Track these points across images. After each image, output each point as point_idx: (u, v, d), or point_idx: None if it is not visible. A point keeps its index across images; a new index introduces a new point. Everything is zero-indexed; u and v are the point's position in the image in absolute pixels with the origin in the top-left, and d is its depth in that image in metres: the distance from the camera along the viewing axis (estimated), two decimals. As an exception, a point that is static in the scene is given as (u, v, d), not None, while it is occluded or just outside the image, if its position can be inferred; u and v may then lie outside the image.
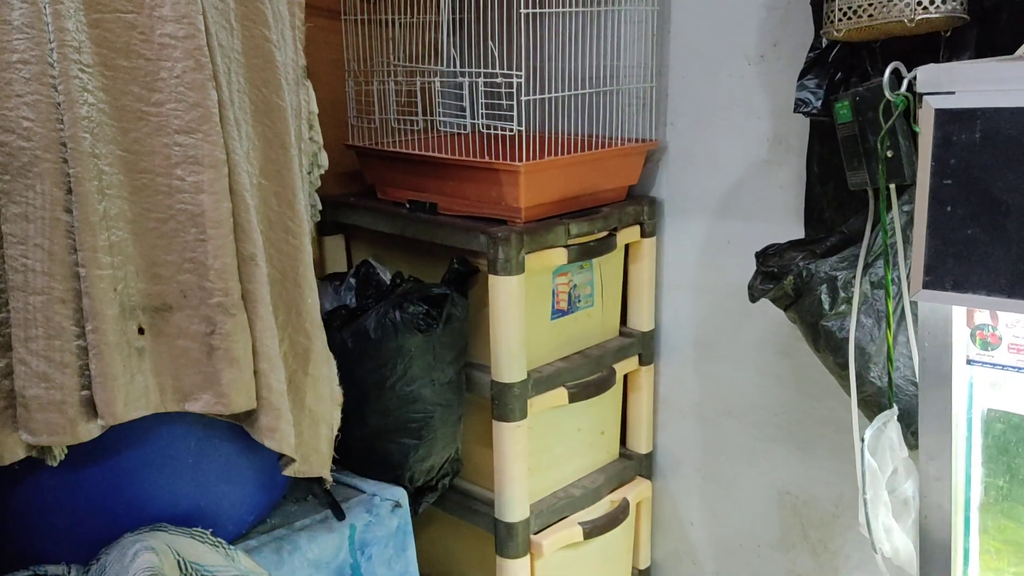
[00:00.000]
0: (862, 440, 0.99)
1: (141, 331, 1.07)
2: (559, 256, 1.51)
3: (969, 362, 0.91)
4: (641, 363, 1.74)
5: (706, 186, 1.66)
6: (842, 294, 1.30)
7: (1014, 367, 0.88)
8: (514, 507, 1.53)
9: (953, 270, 0.86)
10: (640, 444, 1.79)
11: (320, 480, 1.29)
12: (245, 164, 1.10)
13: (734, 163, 1.60)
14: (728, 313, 1.67)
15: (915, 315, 1.12)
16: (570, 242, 1.53)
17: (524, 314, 1.47)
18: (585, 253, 1.56)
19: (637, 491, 1.75)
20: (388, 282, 1.51)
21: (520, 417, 1.50)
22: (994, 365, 0.89)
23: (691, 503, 1.79)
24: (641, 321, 1.74)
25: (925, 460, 0.94)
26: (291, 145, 1.20)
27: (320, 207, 1.41)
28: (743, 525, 1.72)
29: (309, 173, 1.32)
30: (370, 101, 1.65)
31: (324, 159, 1.38)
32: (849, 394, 1.24)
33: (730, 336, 1.67)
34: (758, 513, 1.68)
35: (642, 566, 1.83)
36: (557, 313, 1.60)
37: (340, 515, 1.31)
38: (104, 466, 1.10)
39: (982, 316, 0.90)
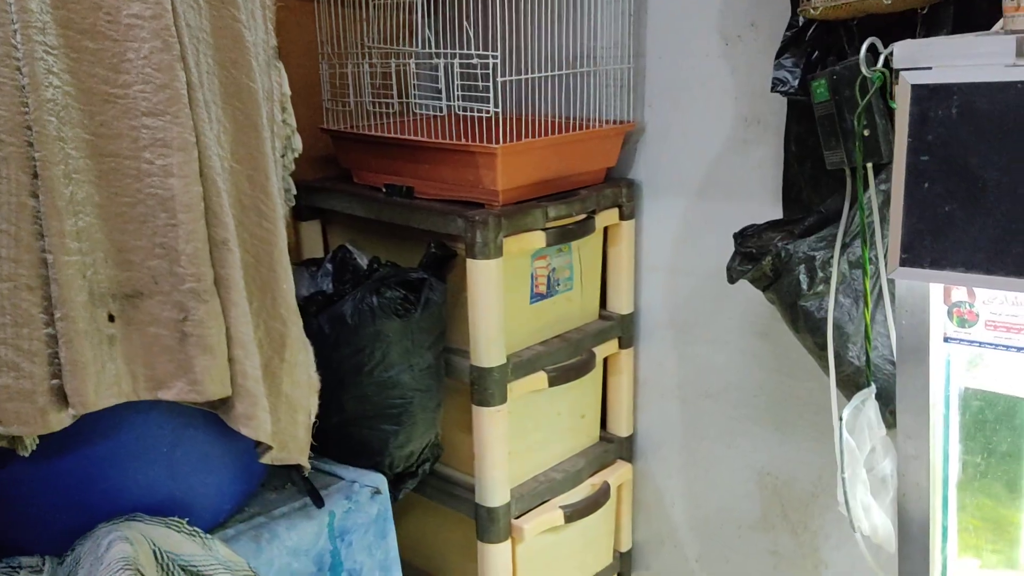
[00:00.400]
0: (840, 419, 0.99)
1: (111, 318, 1.05)
2: (537, 239, 1.50)
3: (946, 340, 0.91)
4: (621, 346, 1.74)
5: (684, 167, 1.65)
6: (820, 274, 1.29)
7: (991, 344, 0.88)
8: (495, 492, 1.52)
9: (930, 247, 0.85)
10: (621, 427, 1.79)
11: (298, 467, 1.28)
12: (216, 147, 1.08)
13: (712, 144, 1.60)
14: (707, 294, 1.67)
15: (892, 294, 1.12)
16: (548, 225, 1.52)
17: (503, 298, 1.46)
18: (564, 236, 1.55)
19: (618, 474, 1.75)
20: (365, 267, 1.50)
21: (500, 402, 1.49)
22: (971, 342, 0.89)
23: (672, 485, 1.80)
24: (620, 304, 1.73)
25: (903, 438, 0.94)
26: (263, 128, 1.18)
27: (294, 191, 1.40)
28: (724, 506, 1.72)
29: (283, 156, 1.30)
30: (344, 84, 1.62)
31: (298, 142, 1.36)
32: (828, 374, 1.24)
33: (710, 317, 1.67)
34: (738, 494, 1.69)
35: (623, 548, 1.83)
36: (536, 297, 1.59)
37: (319, 502, 1.30)
38: (77, 456, 1.09)
39: (959, 293, 0.90)
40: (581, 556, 1.73)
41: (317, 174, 1.77)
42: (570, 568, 1.71)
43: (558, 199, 1.55)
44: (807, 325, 1.32)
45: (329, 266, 1.55)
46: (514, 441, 1.56)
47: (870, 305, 1.12)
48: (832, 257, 1.28)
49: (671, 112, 1.64)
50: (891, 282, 1.13)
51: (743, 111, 1.54)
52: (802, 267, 1.31)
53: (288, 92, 1.30)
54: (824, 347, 1.28)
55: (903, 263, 0.87)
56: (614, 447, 1.78)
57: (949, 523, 0.96)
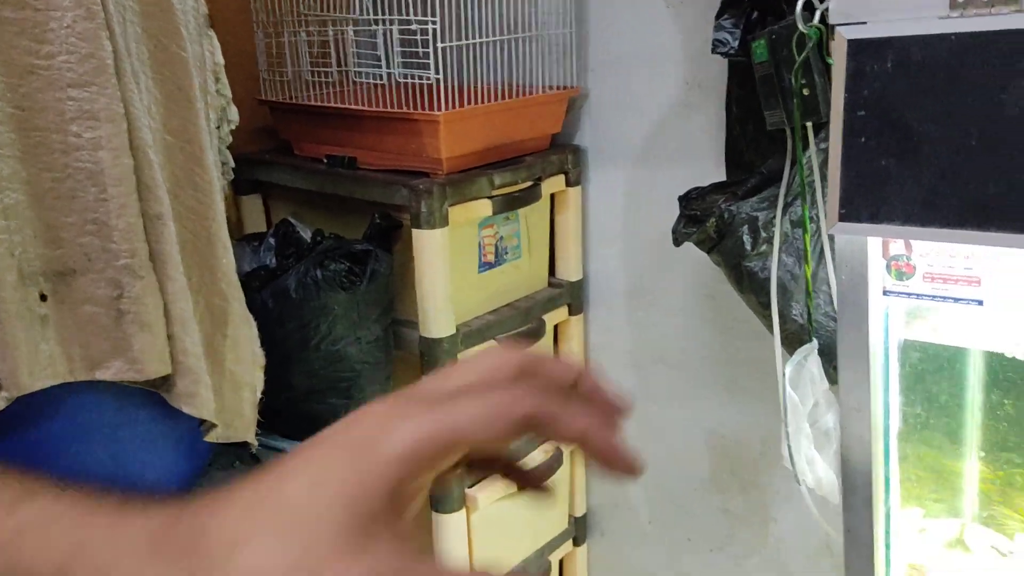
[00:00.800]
0: (783, 375, 1.00)
1: (43, 298, 1.01)
2: (484, 208, 1.49)
3: (885, 293, 0.93)
4: (571, 313, 1.74)
5: (629, 133, 1.65)
6: (763, 234, 1.31)
7: (928, 296, 0.89)
8: (448, 462, 1.52)
9: (868, 201, 0.86)
10: (572, 394, 1.79)
11: (246, 445, 1.26)
12: (146, 118, 1.05)
13: (656, 108, 1.60)
14: (656, 259, 1.67)
15: (833, 250, 1.13)
16: (494, 193, 1.51)
17: (450, 268, 1.45)
18: (510, 204, 1.54)
19: (571, 440, 1.76)
20: (308, 240, 1.47)
21: (450, 372, 1.48)
22: (909, 295, 0.90)
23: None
24: (569, 271, 1.74)
25: (844, 392, 0.95)
26: (196, 98, 1.14)
27: (233, 164, 1.36)
28: (676, 468, 1.74)
29: (218, 128, 1.26)
30: (281, 53, 1.59)
31: (234, 113, 1.32)
32: (773, 333, 1.25)
33: (659, 282, 1.68)
34: (690, 456, 1.71)
35: (578, 513, 1.84)
36: (484, 266, 1.59)
37: (269, 479, 1.28)
38: (12, 440, 1.05)
39: (897, 247, 0.91)
40: (536, 522, 1.74)
41: (257, 147, 1.73)
42: (525, 535, 1.72)
43: (503, 167, 1.53)
44: (751, 285, 1.34)
45: (272, 240, 1.52)
46: (466, 411, 1.56)
47: (810, 263, 1.14)
48: (774, 217, 1.29)
49: (615, 77, 1.64)
50: (831, 238, 1.14)
51: (686, 74, 1.54)
52: (745, 228, 1.32)
53: (221, 61, 1.26)
54: (768, 306, 1.29)
55: (842, 218, 0.87)
56: (566, 414, 1.78)
57: (891, 473, 0.98)
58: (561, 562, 1.87)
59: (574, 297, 1.74)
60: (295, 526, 0.35)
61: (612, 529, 1.88)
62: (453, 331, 1.48)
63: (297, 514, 0.36)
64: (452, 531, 1.54)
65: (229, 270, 1.20)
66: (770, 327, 1.28)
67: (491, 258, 1.59)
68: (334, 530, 0.35)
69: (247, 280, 1.39)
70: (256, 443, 1.25)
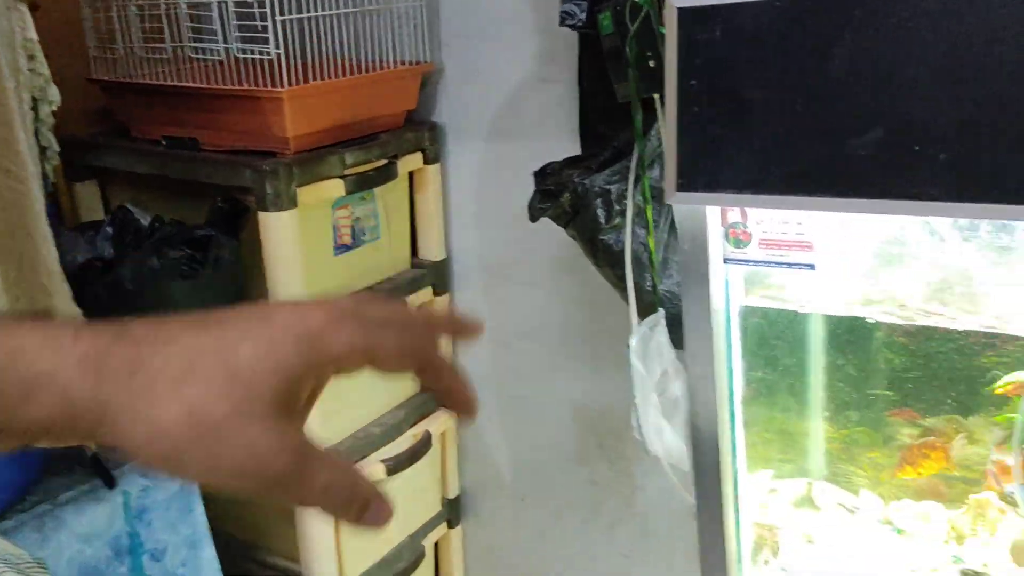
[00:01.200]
0: (628, 346, 1.00)
1: None
2: (336, 187, 1.44)
3: (726, 261, 0.94)
4: (435, 293, 1.71)
5: (486, 108, 1.62)
6: (616, 207, 1.31)
7: (764, 262, 0.91)
8: (310, 452, 1.47)
9: (704, 171, 0.86)
10: (440, 375, 1.76)
11: (82, 448, 1.18)
12: (-61, 98, 0.95)
13: (511, 83, 1.58)
14: (517, 236, 1.66)
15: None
16: (347, 172, 1.46)
17: (303, 251, 1.39)
18: (364, 183, 1.50)
19: (439, 421, 1.74)
20: (147, 227, 1.39)
21: (308, 359, 1.43)
22: (747, 262, 0.91)
23: (494, 428, 1.80)
24: (432, 251, 1.70)
25: (691, 360, 0.96)
26: (4, 77, 1.06)
27: (57, 148, 1.27)
28: (544, 444, 1.74)
29: (33, 109, 1.17)
30: (111, 29, 1.48)
31: (54, 94, 1.23)
32: (629, 305, 1.26)
33: (521, 259, 1.67)
34: (557, 431, 1.72)
35: (451, 495, 1.83)
36: (341, 248, 1.54)
37: (110, 483, 1.20)
38: None
39: (734, 215, 0.92)
40: (408, 507, 1.71)
41: (92, 129, 1.62)
42: (397, 520, 1.68)
43: (356, 145, 1.48)
44: (607, 259, 1.34)
45: (109, 229, 1.42)
46: (327, 400, 1.50)
47: (652, 232, 1.14)
48: (626, 190, 1.29)
49: (468, 51, 1.61)
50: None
51: (540, 47, 1.53)
52: (599, 201, 1.32)
53: (34, 37, 1.17)
54: (623, 279, 1.30)
55: (679, 188, 0.87)
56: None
57: (738, 437, 1.00)
58: (436, 545, 1.85)
59: (438, 277, 1.71)
60: (239, 382, 0.40)
61: (486, 509, 1.87)
62: (309, 317, 1.43)
63: (241, 374, 0.40)
64: (317, 524, 1.50)
65: (51, 262, 1.12)
66: (627, 299, 1.28)
67: (348, 240, 1.54)
68: (270, 397, 0.41)
69: (81, 272, 1.30)
70: (92, 446, 1.18)
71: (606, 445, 1.67)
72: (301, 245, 1.39)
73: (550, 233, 1.55)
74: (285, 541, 1.58)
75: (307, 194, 1.40)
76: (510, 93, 1.58)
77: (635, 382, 0.99)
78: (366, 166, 1.50)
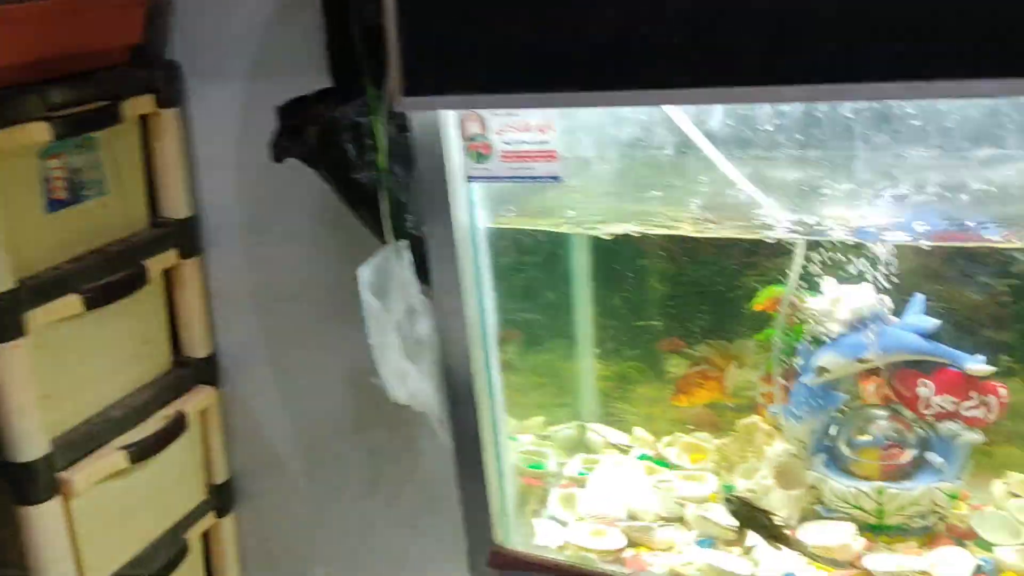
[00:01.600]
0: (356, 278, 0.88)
1: None
2: (39, 132, 1.22)
3: (470, 179, 0.83)
4: (183, 256, 1.52)
5: (229, 44, 1.44)
6: (369, 141, 1.18)
7: (508, 178, 0.81)
8: (28, 444, 1.26)
9: (432, 71, 0.75)
10: (196, 348, 1.58)
11: None
12: None
13: (253, 14, 1.41)
14: (276, 187, 1.50)
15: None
16: (52, 114, 1.24)
17: (2, 207, 1.17)
18: (78, 127, 1.29)
19: (197, 400, 1.55)
20: None
21: (16, 335, 1.22)
22: (489, 178, 0.81)
23: (265, 402, 1.64)
24: (175, 208, 1.51)
25: (438, 293, 0.85)
26: None
27: None
28: (321, 413, 1.60)
29: None
30: None
31: None
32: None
33: (281, 213, 1.51)
34: (334, 398, 1.58)
35: (219, 480, 1.64)
36: (55, 204, 1.32)
37: None
38: None
39: (474, 127, 0.82)
40: (163, 498, 1.51)
41: None
42: (151, 513, 1.49)
43: (63, 83, 1.27)
44: (363, 200, 1.22)
45: None
46: (50, 381, 1.30)
47: (383, 161, 1.03)
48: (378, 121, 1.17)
49: (200, -21, 1.42)
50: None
51: (279, -27, 1.37)
52: (348, 135, 1.19)
53: None
54: (380, 221, 1.18)
55: (406, 92, 0.76)
56: (191, 372, 1.57)
57: (495, 380, 0.90)
58: (206, 536, 1.66)
59: (185, 237, 1.52)
60: None
61: (262, 492, 1.70)
62: (14, 285, 1.21)
63: None
64: (43, 524, 1.28)
65: None
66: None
67: (63, 195, 1.33)
68: None
69: None
70: None
71: (385, 410, 1.54)
72: (-2, 199, 1.17)
73: (306, 182, 1.39)
74: (10, 549, 1.35)
75: (2, 139, 1.17)
76: (252, 25, 1.41)
77: (368, 320, 0.88)
78: (80, 108, 1.29)
